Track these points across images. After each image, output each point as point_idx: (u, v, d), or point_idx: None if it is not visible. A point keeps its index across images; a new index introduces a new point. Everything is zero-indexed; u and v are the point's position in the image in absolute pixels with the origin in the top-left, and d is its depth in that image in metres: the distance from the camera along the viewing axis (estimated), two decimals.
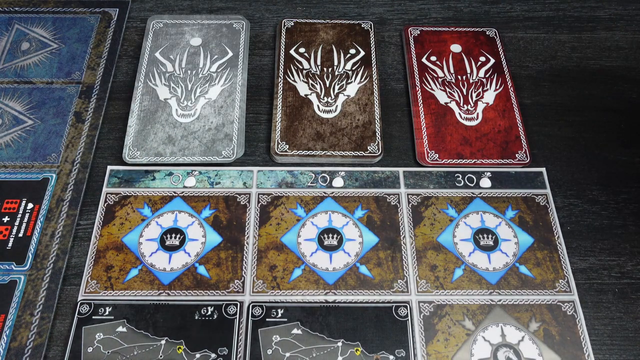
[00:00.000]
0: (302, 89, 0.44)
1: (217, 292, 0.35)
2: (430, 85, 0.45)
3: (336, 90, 0.44)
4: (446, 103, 0.44)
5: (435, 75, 0.46)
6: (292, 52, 0.46)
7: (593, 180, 0.41)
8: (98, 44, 0.47)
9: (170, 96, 0.43)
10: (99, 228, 0.38)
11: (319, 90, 0.44)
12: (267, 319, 0.34)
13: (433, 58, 0.47)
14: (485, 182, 0.41)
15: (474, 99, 0.44)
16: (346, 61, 0.46)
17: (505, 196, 0.40)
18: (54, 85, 0.44)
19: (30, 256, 0.36)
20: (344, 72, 0.45)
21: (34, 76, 0.45)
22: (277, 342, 0.33)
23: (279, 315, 0.35)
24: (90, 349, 0.33)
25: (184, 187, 0.40)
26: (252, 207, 0.39)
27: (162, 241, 0.37)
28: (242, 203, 0.39)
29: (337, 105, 0.43)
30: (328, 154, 0.41)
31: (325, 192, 0.40)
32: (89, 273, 0.36)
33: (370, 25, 0.48)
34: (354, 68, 0.45)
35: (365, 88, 0.44)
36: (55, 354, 0.33)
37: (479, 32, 0.49)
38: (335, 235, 0.38)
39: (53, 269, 0.36)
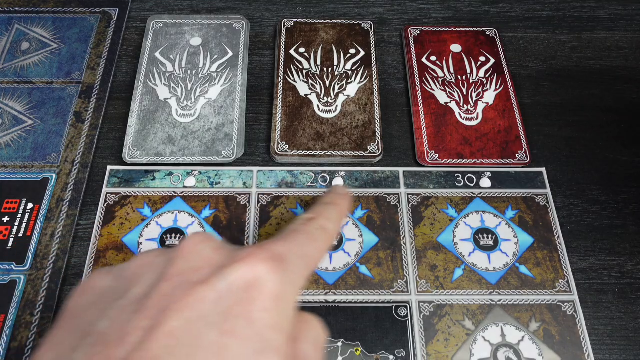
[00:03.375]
0: (302, 89, 0.44)
1: None
2: (430, 85, 0.45)
3: (336, 90, 0.44)
4: (446, 103, 0.44)
5: (435, 75, 0.46)
6: (292, 52, 0.46)
7: (593, 180, 0.41)
8: (98, 44, 0.47)
9: (170, 96, 0.43)
10: (99, 228, 0.38)
11: (319, 90, 0.44)
12: None
13: (433, 58, 0.47)
14: (485, 182, 0.41)
15: (474, 99, 0.44)
16: (346, 61, 0.46)
17: (505, 196, 0.40)
18: (54, 85, 0.44)
19: (30, 256, 0.36)
20: (344, 72, 0.45)
21: (34, 76, 0.45)
22: None
23: None
24: None
25: (184, 187, 0.40)
26: (252, 207, 0.39)
27: (162, 241, 0.37)
28: (242, 203, 0.39)
29: (337, 105, 0.43)
30: (328, 154, 0.41)
31: (325, 192, 0.40)
32: (89, 273, 0.36)
33: (370, 25, 0.48)
34: (354, 68, 0.45)
35: (365, 88, 0.44)
36: None
37: (479, 32, 0.49)
38: None
39: (53, 269, 0.36)
